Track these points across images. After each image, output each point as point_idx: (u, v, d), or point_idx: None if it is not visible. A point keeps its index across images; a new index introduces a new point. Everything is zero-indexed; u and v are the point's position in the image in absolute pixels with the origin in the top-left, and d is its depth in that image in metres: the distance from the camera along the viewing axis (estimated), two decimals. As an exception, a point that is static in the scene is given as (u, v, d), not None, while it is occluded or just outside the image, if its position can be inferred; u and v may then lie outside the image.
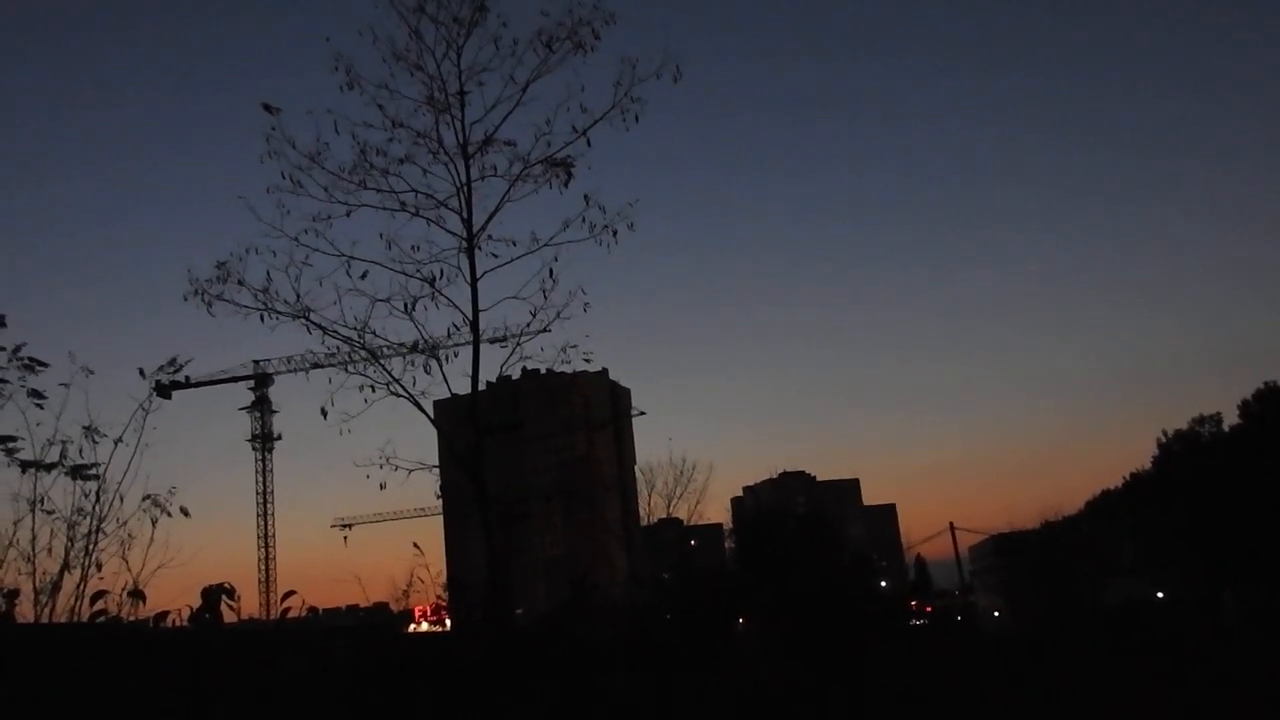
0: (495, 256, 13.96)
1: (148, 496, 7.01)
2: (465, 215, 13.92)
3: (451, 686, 9.52)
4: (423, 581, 11.99)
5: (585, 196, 13.68)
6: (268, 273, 13.11)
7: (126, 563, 6.72)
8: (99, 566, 6.65)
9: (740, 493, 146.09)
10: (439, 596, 12.39)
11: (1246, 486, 75.13)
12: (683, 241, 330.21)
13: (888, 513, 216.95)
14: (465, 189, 13.93)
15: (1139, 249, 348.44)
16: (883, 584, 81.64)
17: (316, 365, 16.37)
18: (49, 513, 6.68)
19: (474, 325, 13.87)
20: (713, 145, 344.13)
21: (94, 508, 6.83)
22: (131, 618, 6.54)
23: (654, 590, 30.98)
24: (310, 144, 13.31)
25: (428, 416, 14.19)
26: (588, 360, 14.60)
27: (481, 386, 14.38)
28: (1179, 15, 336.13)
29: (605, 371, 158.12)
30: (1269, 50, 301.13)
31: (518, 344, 14.24)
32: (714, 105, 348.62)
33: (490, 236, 13.93)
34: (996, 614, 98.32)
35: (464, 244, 13.87)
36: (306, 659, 8.50)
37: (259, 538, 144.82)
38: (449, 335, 14.30)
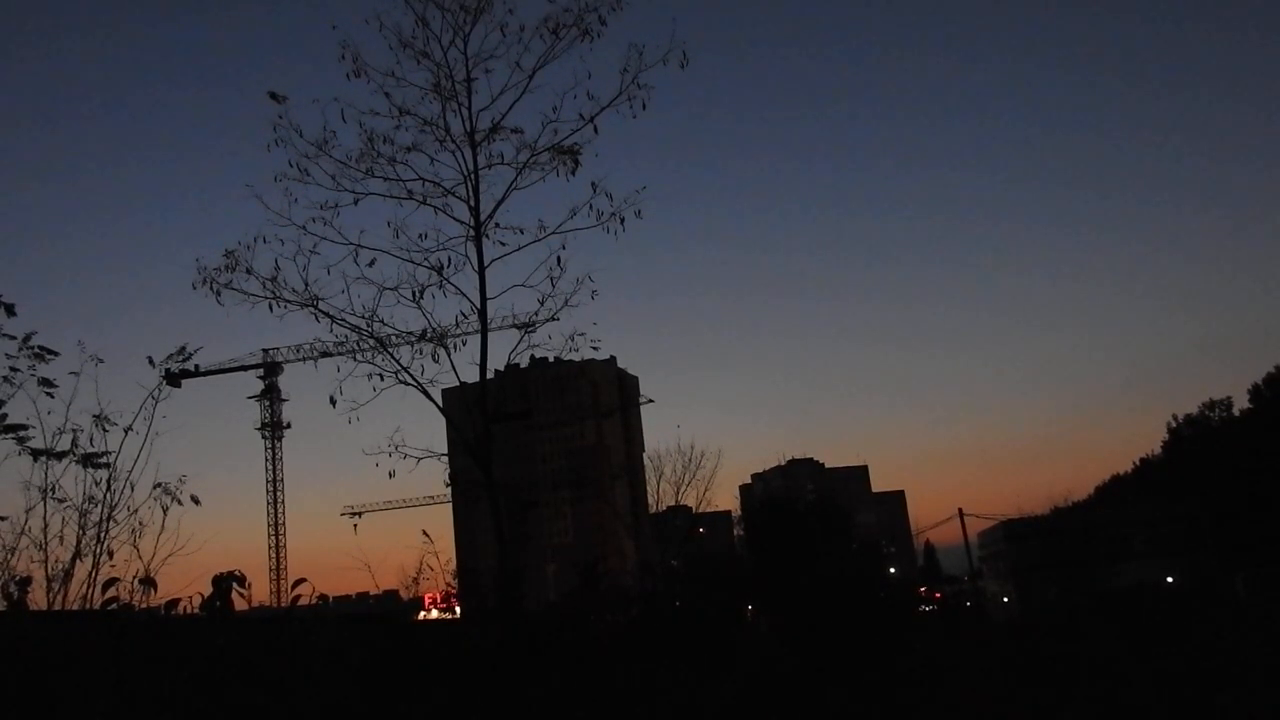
0: (503, 244, 13.97)
1: (158, 485, 6.99)
2: (473, 203, 13.92)
3: (463, 674, 9.54)
4: (432, 569, 12.00)
5: (593, 184, 13.65)
6: (276, 261, 13.14)
7: (138, 551, 6.71)
8: (110, 554, 6.64)
9: (749, 480, 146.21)
10: (449, 584, 12.39)
11: (1257, 470, 74.93)
12: (690, 230, 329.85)
13: (896, 499, 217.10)
14: (472, 177, 13.92)
15: (1147, 237, 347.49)
16: (892, 570, 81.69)
17: (325, 354, 16.36)
18: (60, 501, 6.67)
19: (482, 313, 13.86)
20: (720, 135, 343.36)
21: (105, 496, 6.82)
22: (143, 605, 6.55)
23: (663, 577, 31.00)
24: (317, 132, 13.32)
25: (436, 405, 14.20)
26: (596, 348, 14.60)
27: (490, 374, 14.38)
28: (1183, 6, 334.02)
29: (613, 359, 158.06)
30: (1276, 38, 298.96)
31: (526, 332, 14.24)
32: (722, 95, 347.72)
33: (498, 224, 13.93)
34: (1006, 600, 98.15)
35: (471, 232, 13.86)
36: (318, 647, 8.52)
37: (269, 526, 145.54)
38: (457, 323, 14.30)
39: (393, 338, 13.84)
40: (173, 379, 7.58)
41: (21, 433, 6.69)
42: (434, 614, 15.50)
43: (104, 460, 6.90)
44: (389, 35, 13.54)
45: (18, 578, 6.24)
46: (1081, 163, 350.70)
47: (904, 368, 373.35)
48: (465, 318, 14.15)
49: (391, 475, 13.68)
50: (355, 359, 13.83)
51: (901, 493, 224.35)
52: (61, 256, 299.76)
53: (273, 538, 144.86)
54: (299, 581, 7.81)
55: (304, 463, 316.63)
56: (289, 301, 13.27)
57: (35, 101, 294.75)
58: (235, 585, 6.81)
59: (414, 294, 13.59)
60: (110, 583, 6.46)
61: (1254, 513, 73.38)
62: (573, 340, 14.18)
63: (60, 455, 6.77)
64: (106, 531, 6.72)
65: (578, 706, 10.58)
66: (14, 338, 6.71)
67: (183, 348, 7.77)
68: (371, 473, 14.42)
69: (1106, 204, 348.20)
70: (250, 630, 7.78)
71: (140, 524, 6.81)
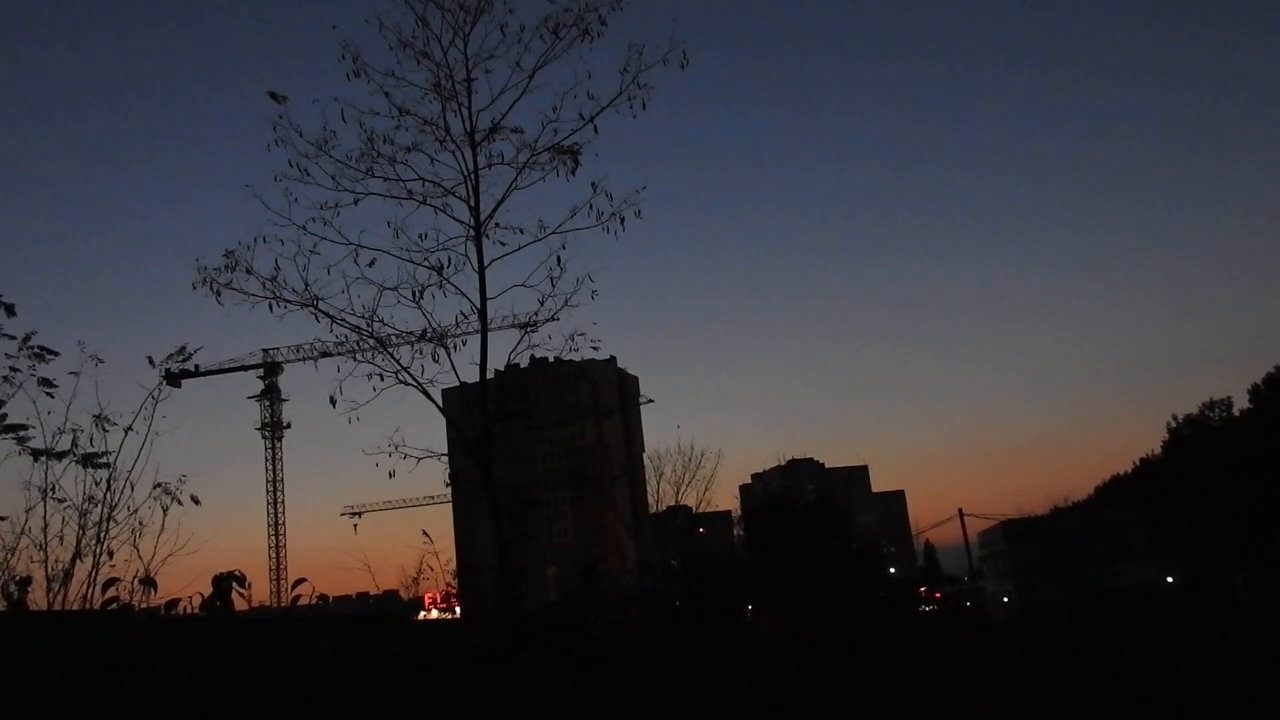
0: (503, 244, 13.96)
1: (158, 485, 6.99)
2: (473, 203, 13.91)
3: (463, 674, 9.53)
4: (432, 569, 12.00)
5: (593, 184, 13.65)
6: (276, 261, 13.13)
7: (138, 551, 6.71)
8: (110, 554, 6.64)
9: (749, 480, 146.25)
10: (449, 584, 12.39)
11: (1257, 470, 74.88)
12: (690, 230, 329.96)
13: (896, 499, 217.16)
14: (472, 177, 13.91)
15: (1146, 239, 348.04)
16: (892, 570, 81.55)
17: (325, 354, 16.36)
18: (60, 501, 6.67)
19: (482, 313, 13.86)
20: (721, 135, 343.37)
21: (105, 496, 6.81)
22: (143, 605, 6.55)
23: (663, 577, 30.98)
24: (317, 132, 13.31)
25: (436, 405, 14.20)
26: (596, 348, 14.58)
27: (490, 374, 14.38)
28: (1181, 9, 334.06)
29: (613, 359, 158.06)
30: (1274, 40, 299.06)
31: (526, 332, 14.24)
32: (722, 97, 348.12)
33: (498, 224, 13.92)
34: (1006, 600, 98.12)
35: (471, 232, 13.85)
36: (318, 647, 8.51)
37: (269, 525, 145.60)
38: (457, 323, 14.29)
39: (393, 338, 13.85)
40: (173, 379, 7.57)
41: (21, 433, 6.68)
42: (434, 614, 15.50)
43: (104, 460, 6.90)
44: (389, 35, 13.55)
45: (18, 578, 6.23)
46: (1081, 163, 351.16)
47: (904, 368, 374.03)
48: (465, 318, 14.15)
49: (391, 475, 13.68)
50: (355, 359, 13.84)
51: (901, 493, 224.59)
52: (61, 256, 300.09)
53: (273, 538, 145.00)
54: (299, 581, 7.81)
55: (304, 463, 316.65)
56: (289, 301, 13.28)
57: (35, 101, 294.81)
58: (235, 585, 6.81)
59: (414, 294, 13.60)
60: (110, 583, 6.45)
61: (1254, 513, 73.31)
62: (573, 340, 14.18)
63: (60, 455, 6.76)
64: (106, 531, 6.72)
65: (578, 707, 10.58)
66: (14, 338, 6.71)
67: (183, 348, 7.77)
68: (371, 473, 14.43)
69: (1106, 204, 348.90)
70: (250, 630, 7.77)
71: (140, 524, 6.81)
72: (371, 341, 13.70)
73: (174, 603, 6.61)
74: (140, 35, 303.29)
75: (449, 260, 13.75)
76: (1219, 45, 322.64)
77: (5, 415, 6.66)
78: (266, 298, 13.17)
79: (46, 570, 6.42)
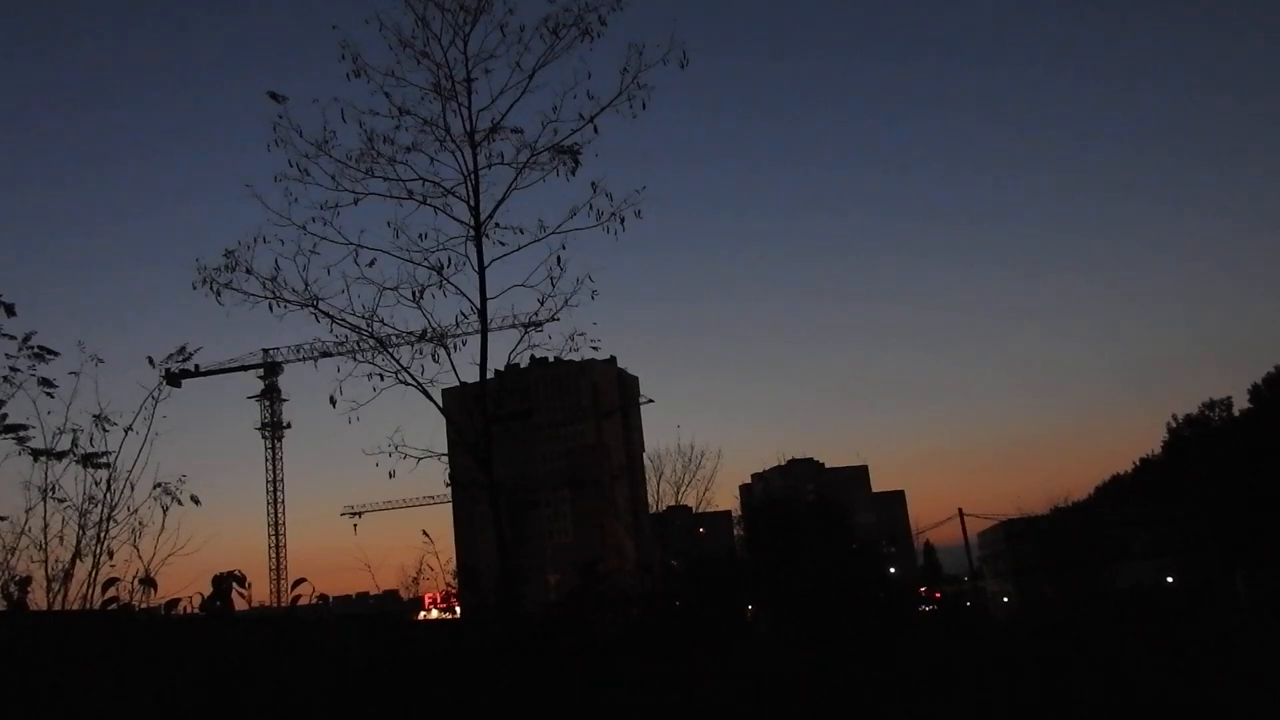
0: (503, 244, 13.98)
1: (158, 485, 6.99)
2: (472, 203, 13.92)
3: (463, 674, 9.53)
4: (432, 569, 12.01)
5: (593, 184, 13.68)
6: (276, 261, 13.16)
7: (138, 551, 6.71)
8: (110, 554, 6.64)
9: (749, 480, 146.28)
10: (448, 584, 12.39)
11: (1257, 470, 74.95)
12: (691, 230, 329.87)
13: (896, 499, 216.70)
14: (472, 177, 13.92)
15: (1147, 237, 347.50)
16: (892, 570, 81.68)
17: (325, 354, 16.38)
18: (60, 501, 6.67)
19: (482, 313, 13.87)
20: (721, 135, 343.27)
21: (105, 496, 6.82)
22: (143, 605, 6.54)
23: (663, 577, 31.00)
24: (317, 132, 13.33)
25: (436, 405, 14.21)
26: (596, 348, 14.59)
27: (490, 374, 14.39)
28: (1183, 9, 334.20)
29: (613, 359, 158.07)
30: (1274, 39, 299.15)
31: (526, 332, 14.26)
32: (722, 97, 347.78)
33: (498, 224, 13.94)
34: (1006, 600, 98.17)
35: (471, 232, 13.87)
36: (318, 647, 8.51)
37: (269, 525, 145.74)
38: (457, 323, 14.31)
39: (393, 338, 13.87)
40: (173, 379, 7.58)
41: (21, 433, 6.68)
42: (434, 614, 15.50)
43: (104, 460, 6.90)
44: (389, 35, 13.56)
45: (18, 578, 6.23)
46: (1081, 163, 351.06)
47: (904, 368, 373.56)
48: (465, 318, 14.17)
49: (391, 475, 13.71)
50: (355, 359, 13.86)
51: (901, 493, 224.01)
52: (61, 256, 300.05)
53: (273, 538, 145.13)
54: (299, 581, 7.82)
55: (304, 463, 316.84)
56: (289, 301, 13.30)
57: (35, 101, 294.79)
58: (235, 585, 6.81)
59: (414, 294, 13.63)
60: (110, 583, 6.45)
61: (1254, 513, 73.37)
62: (573, 340, 14.21)
63: (60, 455, 6.76)
64: (106, 531, 6.72)
65: (578, 707, 10.58)
66: (14, 338, 6.72)
67: (183, 348, 7.78)
68: (371, 473, 14.46)
69: (1106, 204, 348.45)
70: (250, 630, 7.78)
71: (140, 524, 6.81)
72: (371, 341, 13.73)
73: (174, 603, 6.61)
74: (140, 35, 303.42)
75: (449, 260, 13.79)
76: (1218, 45, 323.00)
77: (5, 415, 6.66)
78: (266, 298, 13.21)
79: (46, 570, 6.43)
